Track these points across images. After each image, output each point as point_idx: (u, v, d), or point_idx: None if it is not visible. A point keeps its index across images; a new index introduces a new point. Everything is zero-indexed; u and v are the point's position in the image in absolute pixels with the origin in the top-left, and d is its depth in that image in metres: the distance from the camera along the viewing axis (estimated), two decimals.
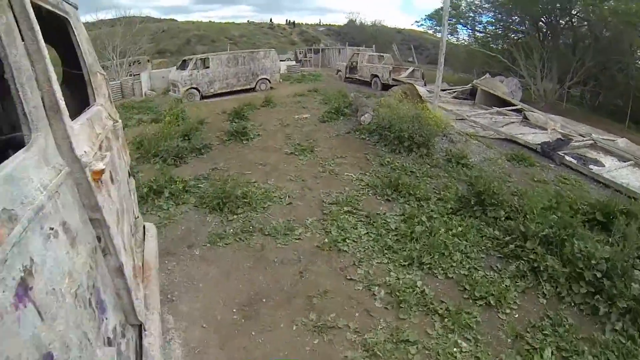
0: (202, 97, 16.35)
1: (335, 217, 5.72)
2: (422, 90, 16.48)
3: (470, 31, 29.11)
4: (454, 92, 19.17)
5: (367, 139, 9.58)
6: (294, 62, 28.38)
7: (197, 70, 16.16)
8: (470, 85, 19.22)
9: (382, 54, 21.95)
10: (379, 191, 6.66)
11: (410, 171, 7.79)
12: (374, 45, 31.48)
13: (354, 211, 5.98)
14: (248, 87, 17.61)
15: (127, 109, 15.25)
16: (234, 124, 10.72)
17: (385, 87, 18.23)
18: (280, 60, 30.55)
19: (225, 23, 60.08)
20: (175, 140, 8.81)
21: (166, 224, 5.84)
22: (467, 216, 6.07)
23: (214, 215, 5.92)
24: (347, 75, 21.68)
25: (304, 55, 33.65)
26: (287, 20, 66.78)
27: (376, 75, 19.57)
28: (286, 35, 62.59)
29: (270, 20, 65.59)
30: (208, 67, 16.40)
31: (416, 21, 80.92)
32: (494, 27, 28.05)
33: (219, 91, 16.83)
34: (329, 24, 67.72)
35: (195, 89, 16.20)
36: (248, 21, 65.93)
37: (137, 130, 11.28)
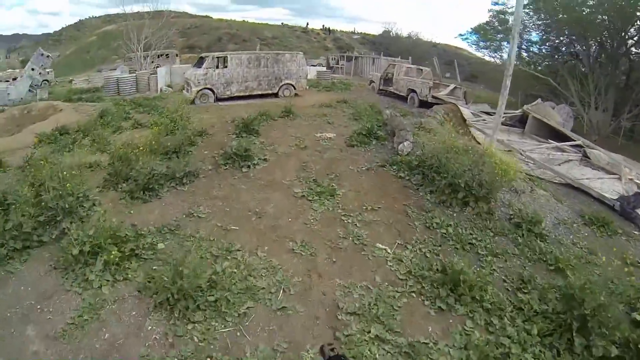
0: (217, 100, 14.00)
1: (354, 353, 3.20)
2: (466, 112, 13.82)
3: (517, 49, 26.07)
4: (502, 117, 16.36)
5: (407, 178, 7.02)
6: (324, 68, 25.85)
7: (214, 69, 13.83)
8: (520, 111, 16.38)
9: (421, 67, 19.23)
10: (427, 289, 4.10)
11: (469, 243, 5.20)
12: (409, 57, 28.72)
13: (387, 337, 3.43)
14: (270, 92, 15.15)
15: (132, 106, 13.13)
16: (239, 139, 8.31)
17: (424, 104, 15.54)
18: (312, 65, 28.44)
19: (259, 23, 58.01)
20: (152, 161, 6.43)
21: (85, 322, 3.48)
22: (562, 349, 3.54)
23: (158, 317, 3.51)
24: (380, 88, 19.02)
25: (336, 62, 31.18)
26: (323, 25, 64.50)
27: (414, 91, 16.86)
28: (319, 40, 60.20)
29: (307, 24, 63.34)
30: (226, 67, 14.04)
31: (460, 34, 75.93)
32: (539, 47, 24.92)
33: (236, 94, 14.41)
34: (364, 33, 65.07)
35: (210, 89, 13.87)
36: (282, 23, 63.63)
37: (125, 136, 9.04)
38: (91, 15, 66.42)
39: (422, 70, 18.24)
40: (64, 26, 62.61)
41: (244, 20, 58.69)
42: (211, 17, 57.66)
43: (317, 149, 8.54)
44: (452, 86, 18.08)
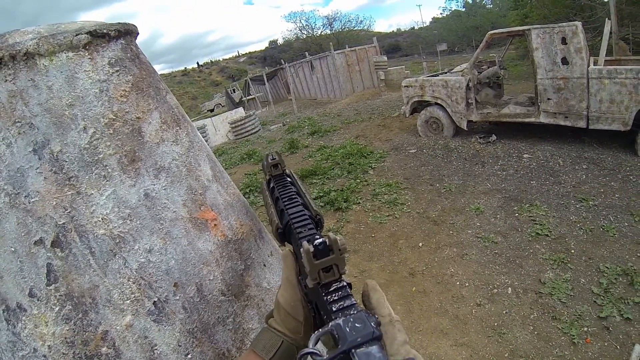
0: None
1: None
2: None
3: None
4: None
5: None
6: (242, 111, 11.45)
7: None
8: None
9: None
10: None
11: None
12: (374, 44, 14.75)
13: None
14: None
15: None
16: None
17: None
18: (209, 110, 14.95)
19: None
20: None
21: None
22: None
23: None
24: (470, 117, 5.22)
25: (246, 91, 17.02)
26: (210, 60, 49.50)
27: None
28: (205, 77, 45.13)
29: (185, 68, 47.76)
30: None
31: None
32: None
33: None
34: (249, 52, 51.06)
35: None
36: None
37: None
38: None
39: None
40: None
41: None
42: None
43: None
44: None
